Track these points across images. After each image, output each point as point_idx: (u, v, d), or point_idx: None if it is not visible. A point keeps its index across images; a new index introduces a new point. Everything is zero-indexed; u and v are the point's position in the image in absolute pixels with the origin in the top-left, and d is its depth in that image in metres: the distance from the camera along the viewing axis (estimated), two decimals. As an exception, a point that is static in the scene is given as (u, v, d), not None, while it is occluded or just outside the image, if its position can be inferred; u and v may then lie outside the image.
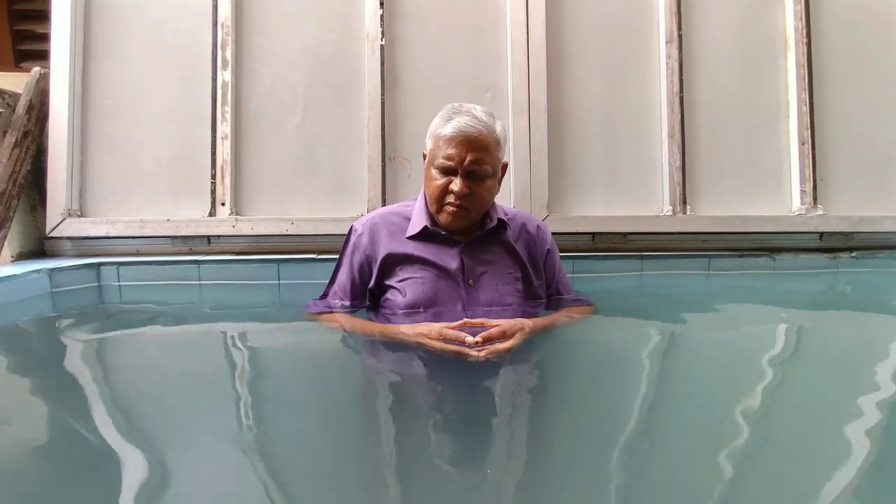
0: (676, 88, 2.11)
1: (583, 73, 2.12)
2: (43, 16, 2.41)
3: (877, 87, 2.24)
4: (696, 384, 1.03)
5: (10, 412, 0.89)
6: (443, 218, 1.18)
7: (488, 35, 2.09)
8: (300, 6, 2.04)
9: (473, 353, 0.92)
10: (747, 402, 0.89)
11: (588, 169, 2.11)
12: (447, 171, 1.13)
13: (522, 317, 1.21)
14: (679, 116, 2.11)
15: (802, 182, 2.15)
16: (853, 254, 2.12)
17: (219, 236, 1.97)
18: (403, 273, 1.22)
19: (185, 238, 1.96)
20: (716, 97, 2.16)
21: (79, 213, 1.93)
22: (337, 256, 1.33)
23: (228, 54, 1.98)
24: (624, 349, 1.23)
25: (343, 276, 1.29)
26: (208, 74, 1.99)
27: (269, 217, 1.99)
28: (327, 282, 1.34)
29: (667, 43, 2.12)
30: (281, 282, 1.84)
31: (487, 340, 0.95)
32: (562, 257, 1.39)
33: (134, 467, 0.67)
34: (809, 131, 2.16)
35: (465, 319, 1.01)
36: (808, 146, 2.16)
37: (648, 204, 2.12)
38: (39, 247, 1.95)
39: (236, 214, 1.98)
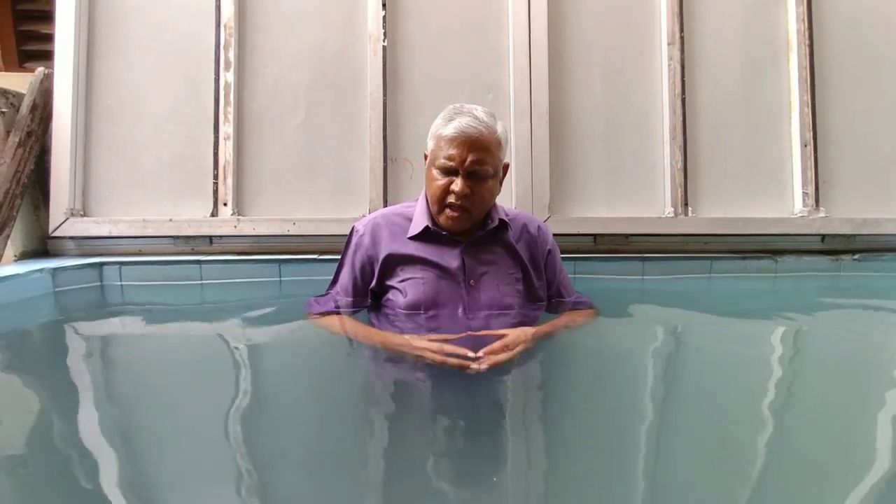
0: (678, 90, 2.11)
1: (585, 75, 2.12)
2: (47, 16, 2.43)
3: (879, 89, 2.23)
4: (699, 389, 1.03)
5: (10, 412, 0.90)
6: (443, 220, 1.18)
7: (490, 36, 2.09)
8: (303, 7, 2.05)
9: (474, 366, 0.91)
10: (751, 407, 0.89)
11: (590, 170, 2.11)
12: (448, 172, 1.14)
13: (524, 319, 1.21)
14: (681, 118, 2.11)
15: (804, 184, 2.15)
16: (855, 256, 2.11)
17: (221, 236, 1.97)
18: (404, 273, 1.22)
19: (187, 238, 1.96)
20: (718, 99, 2.16)
21: (82, 212, 1.94)
22: (338, 257, 1.33)
23: (231, 55, 1.99)
24: (625, 352, 1.23)
25: (345, 277, 1.29)
26: (211, 75, 1.99)
27: (270, 217, 1.99)
28: (329, 282, 1.34)
29: (669, 44, 2.11)
30: (283, 282, 1.85)
31: (490, 354, 0.95)
32: (563, 259, 1.39)
33: (134, 467, 0.67)
34: (812, 133, 2.16)
35: (469, 332, 1.01)
36: (811, 148, 2.16)
37: (650, 205, 2.11)
38: (42, 246, 1.96)
39: (238, 215, 1.98)
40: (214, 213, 1.98)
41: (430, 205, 1.20)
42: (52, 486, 0.64)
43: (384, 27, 2.04)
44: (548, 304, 1.32)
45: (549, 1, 2.07)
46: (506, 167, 1.22)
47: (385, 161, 2.03)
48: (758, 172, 2.17)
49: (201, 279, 1.82)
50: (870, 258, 2.12)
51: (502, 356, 0.95)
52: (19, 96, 1.91)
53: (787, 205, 2.18)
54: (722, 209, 2.13)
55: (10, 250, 1.83)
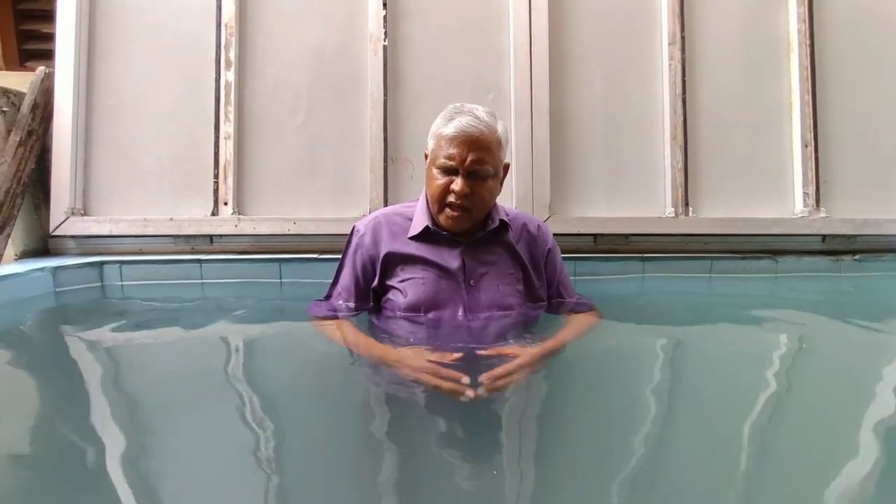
0: (679, 90, 2.11)
1: (585, 75, 2.12)
2: (48, 15, 2.42)
3: (880, 89, 2.23)
4: (699, 390, 1.03)
5: (10, 411, 0.90)
6: (443, 219, 1.18)
7: (491, 36, 2.09)
8: (303, 7, 2.05)
9: (469, 392, 0.83)
10: (750, 409, 0.89)
11: (590, 170, 2.11)
12: (448, 171, 1.13)
13: (524, 319, 1.21)
14: (681, 118, 2.11)
15: (805, 184, 2.15)
16: (856, 256, 2.11)
17: (221, 236, 1.97)
18: (404, 273, 1.22)
19: (187, 237, 1.96)
20: (718, 99, 2.16)
21: (82, 211, 1.94)
22: (339, 256, 1.33)
23: (232, 55, 1.99)
24: (625, 353, 1.22)
25: (346, 277, 1.29)
26: (212, 75, 2.00)
27: (271, 217, 1.99)
28: (330, 283, 1.34)
29: (669, 44, 2.11)
30: (283, 281, 1.85)
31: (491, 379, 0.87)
32: (563, 258, 1.38)
33: (134, 466, 0.67)
34: (812, 133, 2.16)
35: (478, 349, 0.97)
36: (811, 148, 2.16)
37: (650, 206, 2.11)
38: (43, 245, 1.96)
39: (239, 214, 1.99)
40: (215, 213, 1.98)
41: (430, 204, 1.20)
42: (52, 486, 0.64)
43: (385, 27, 2.04)
44: (548, 305, 1.32)
45: (550, 1, 2.07)
46: (506, 167, 1.22)
47: (385, 161, 2.03)
48: (758, 172, 2.17)
49: (202, 278, 1.82)
50: (870, 259, 2.12)
51: (504, 382, 0.88)
52: (20, 95, 1.91)
53: (788, 205, 2.17)
54: (722, 209, 2.13)
55: (11, 249, 1.83)
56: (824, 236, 2.16)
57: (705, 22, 2.16)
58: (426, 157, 1.21)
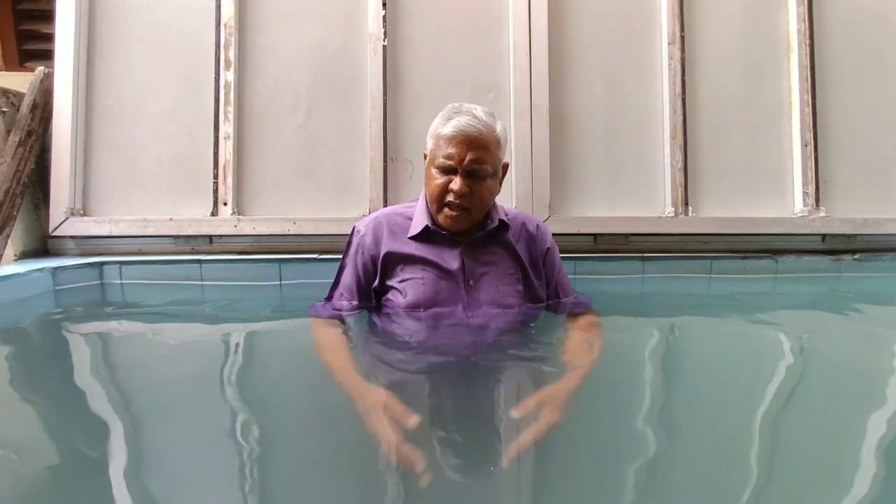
0: (679, 90, 2.11)
1: (585, 74, 2.12)
2: (47, 16, 2.43)
3: (880, 89, 2.23)
4: (698, 390, 1.02)
5: (10, 411, 0.90)
6: (442, 219, 1.18)
7: (491, 36, 2.09)
8: (303, 7, 2.05)
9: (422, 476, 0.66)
10: (749, 408, 0.89)
11: (590, 170, 2.11)
12: (447, 171, 1.13)
13: (524, 318, 1.21)
14: (681, 118, 2.11)
15: (805, 184, 2.15)
16: (856, 256, 2.11)
17: (221, 236, 1.97)
18: (404, 273, 1.22)
19: (187, 237, 1.96)
20: (718, 98, 2.16)
21: (82, 212, 1.94)
22: (339, 257, 1.32)
23: (231, 54, 1.99)
24: (624, 352, 1.22)
25: (348, 278, 1.28)
26: (211, 74, 2.00)
27: (271, 217, 1.99)
28: (331, 284, 1.33)
29: (669, 44, 2.11)
30: (283, 282, 1.85)
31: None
32: (564, 258, 1.38)
33: (132, 466, 0.67)
34: (812, 133, 2.16)
35: (512, 413, 0.83)
36: (811, 148, 2.16)
37: (650, 205, 2.11)
38: (42, 245, 1.96)
39: (238, 214, 1.98)
40: (214, 213, 1.98)
41: (429, 204, 1.20)
42: (52, 485, 0.64)
43: (384, 27, 2.04)
44: (546, 306, 1.32)
45: (550, 1, 2.07)
46: (505, 167, 1.22)
47: (385, 161, 2.03)
48: (758, 172, 2.17)
49: (201, 279, 1.82)
50: (870, 258, 2.12)
51: (527, 441, 0.74)
52: (20, 95, 1.91)
53: (788, 204, 2.17)
54: (722, 209, 2.13)
55: (11, 249, 1.83)
56: (824, 236, 2.16)
57: (705, 21, 2.16)
58: (425, 156, 1.21)
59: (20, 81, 1.97)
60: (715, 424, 0.83)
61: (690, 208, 2.11)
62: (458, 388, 0.97)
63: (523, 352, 1.11)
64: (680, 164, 2.10)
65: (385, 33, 2.04)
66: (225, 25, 2.00)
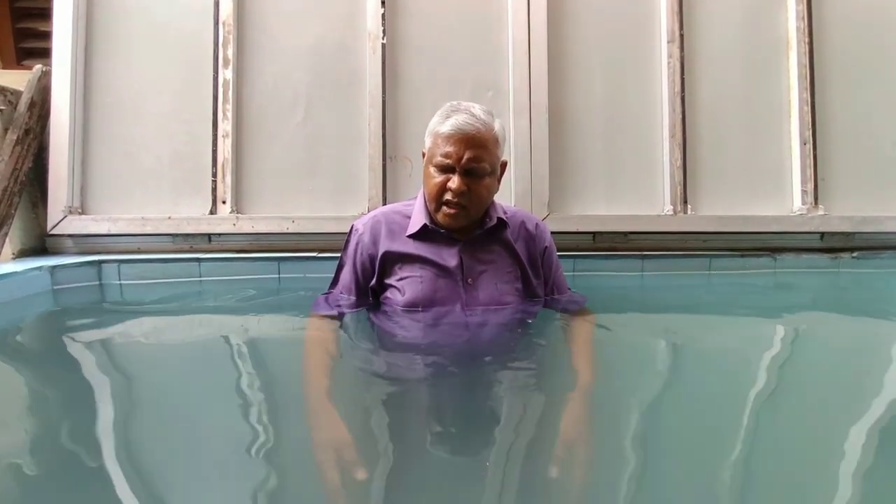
0: (678, 88, 2.11)
1: (584, 72, 2.12)
2: (45, 13, 2.42)
3: (879, 87, 2.23)
4: (697, 390, 1.02)
5: (9, 410, 0.90)
6: (441, 217, 1.18)
7: (490, 34, 2.09)
8: (302, 5, 2.05)
9: None
10: (750, 405, 0.89)
11: (589, 168, 2.11)
12: (445, 169, 1.13)
13: (522, 315, 1.21)
14: (680, 116, 2.11)
15: (804, 182, 2.15)
16: (854, 254, 2.12)
17: (219, 234, 1.97)
18: (403, 272, 1.22)
19: (185, 236, 1.96)
20: (717, 97, 2.16)
21: (80, 210, 1.94)
22: (338, 255, 1.33)
23: (230, 53, 1.98)
24: (623, 351, 1.22)
25: (347, 276, 1.29)
26: (210, 73, 1.99)
27: (269, 215, 1.99)
28: (330, 283, 1.33)
29: (668, 42, 2.11)
30: (281, 279, 1.85)
31: None
32: (563, 257, 1.39)
33: (132, 465, 0.67)
34: (811, 131, 2.16)
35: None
36: (810, 146, 2.16)
37: (649, 203, 2.11)
38: (41, 244, 1.96)
39: (237, 212, 1.98)
40: (213, 211, 1.97)
41: (428, 202, 1.20)
42: (51, 485, 0.64)
43: (383, 25, 2.03)
44: (543, 304, 1.32)
45: (549, -2, 2.06)
46: (504, 165, 1.22)
47: (384, 159, 2.03)
48: (757, 170, 2.17)
49: (200, 277, 1.82)
50: (869, 256, 2.12)
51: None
52: (17, 94, 1.90)
53: (787, 203, 2.18)
54: (721, 207, 2.13)
55: (9, 248, 1.83)
56: (823, 234, 2.16)
57: (704, 20, 2.16)
58: (423, 155, 1.21)
59: (18, 79, 1.96)
60: (715, 424, 0.83)
61: (689, 206, 2.11)
62: (456, 386, 0.97)
63: (521, 350, 1.11)
64: (679, 163, 2.10)
65: (384, 31, 2.04)
66: (223, 23, 1.99)
